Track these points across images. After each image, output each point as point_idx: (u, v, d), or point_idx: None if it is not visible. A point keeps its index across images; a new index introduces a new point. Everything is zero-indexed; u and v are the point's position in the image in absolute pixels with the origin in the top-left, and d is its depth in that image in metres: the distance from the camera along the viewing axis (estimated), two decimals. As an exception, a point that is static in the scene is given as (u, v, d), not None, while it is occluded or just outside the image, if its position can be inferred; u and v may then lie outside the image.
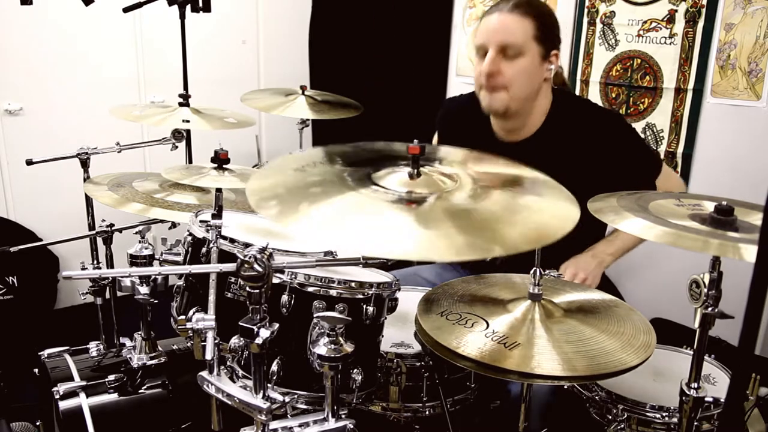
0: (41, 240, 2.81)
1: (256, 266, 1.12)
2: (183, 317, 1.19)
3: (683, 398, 1.22)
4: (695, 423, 1.23)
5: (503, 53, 1.70)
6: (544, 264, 1.35)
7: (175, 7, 2.60)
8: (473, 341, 1.23)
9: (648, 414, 1.42)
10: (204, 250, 1.41)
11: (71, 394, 1.63)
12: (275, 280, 1.26)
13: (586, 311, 1.37)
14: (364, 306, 1.36)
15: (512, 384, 1.61)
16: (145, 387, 1.71)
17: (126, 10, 2.55)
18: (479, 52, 1.75)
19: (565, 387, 1.54)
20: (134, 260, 1.75)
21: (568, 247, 1.81)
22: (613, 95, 2.74)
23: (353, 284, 1.35)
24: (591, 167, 1.74)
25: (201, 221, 1.50)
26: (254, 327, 1.14)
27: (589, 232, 1.91)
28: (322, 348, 1.21)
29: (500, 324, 1.29)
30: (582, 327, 1.30)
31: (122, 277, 1.70)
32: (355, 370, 1.35)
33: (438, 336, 1.26)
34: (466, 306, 1.38)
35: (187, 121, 2.29)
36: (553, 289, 1.46)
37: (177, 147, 2.36)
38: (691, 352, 1.21)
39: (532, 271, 1.34)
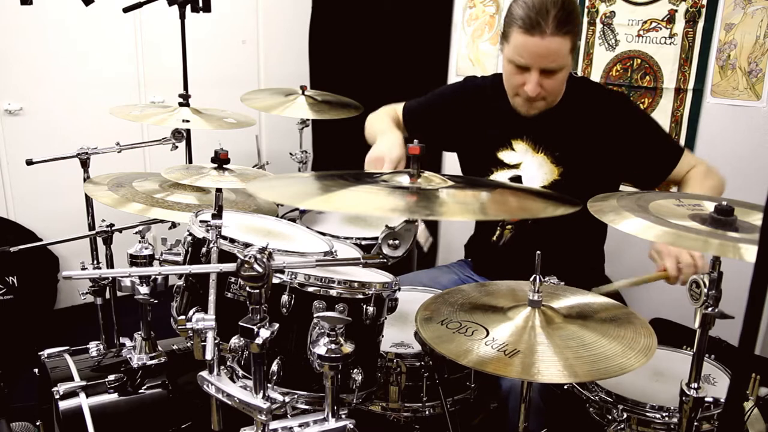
0: (41, 240, 2.81)
1: (256, 266, 1.12)
2: (183, 317, 1.19)
3: (683, 398, 1.22)
4: (695, 423, 1.23)
5: (545, 71, 1.71)
6: (544, 270, 1.35)
7: (175, 7, 2.60)
8: (473, 350, 1.23)
9: (648, 414, 1.42)
10: (204, 250, 1.41)
11: (71, 394, 1.63)
12: (275, 280, 1.26)
13: (586, 316, 1.37)
14: (364, 306, 1.36)
15: (507, 385, 1.61)
16: (145, 387, 1.71)
17: (126, 10, 2.55)
18: (514, 63, 1.73)
19: (565, 387, 1.54)
20: (134, 260, 1.74)
21: (567, 252, 1.82)
22: (613, 95, 2.74)
23: (353, 284, 1.35)
24: (604, 141, 1.81)
25: (201, 221, 1.49)
26: (254, 327, 1.14)
27: (589, 231, 1.92)
28: (322, 348, 1.21)
29: (501, 332, 1.29)
30: (582, 332, 1.29)
31: (122, 277, 1.70)
32: (355, 370, 1.35)
33: (439, 345, 1.26)
34: (465, 314, 1.38)
35: (187, 121, 2.29)
36: (553, 294, 1.46)
37: (177, 147, 2.36)
38: (691, 353, 1.21)
39: (532, 278, 1.33)
